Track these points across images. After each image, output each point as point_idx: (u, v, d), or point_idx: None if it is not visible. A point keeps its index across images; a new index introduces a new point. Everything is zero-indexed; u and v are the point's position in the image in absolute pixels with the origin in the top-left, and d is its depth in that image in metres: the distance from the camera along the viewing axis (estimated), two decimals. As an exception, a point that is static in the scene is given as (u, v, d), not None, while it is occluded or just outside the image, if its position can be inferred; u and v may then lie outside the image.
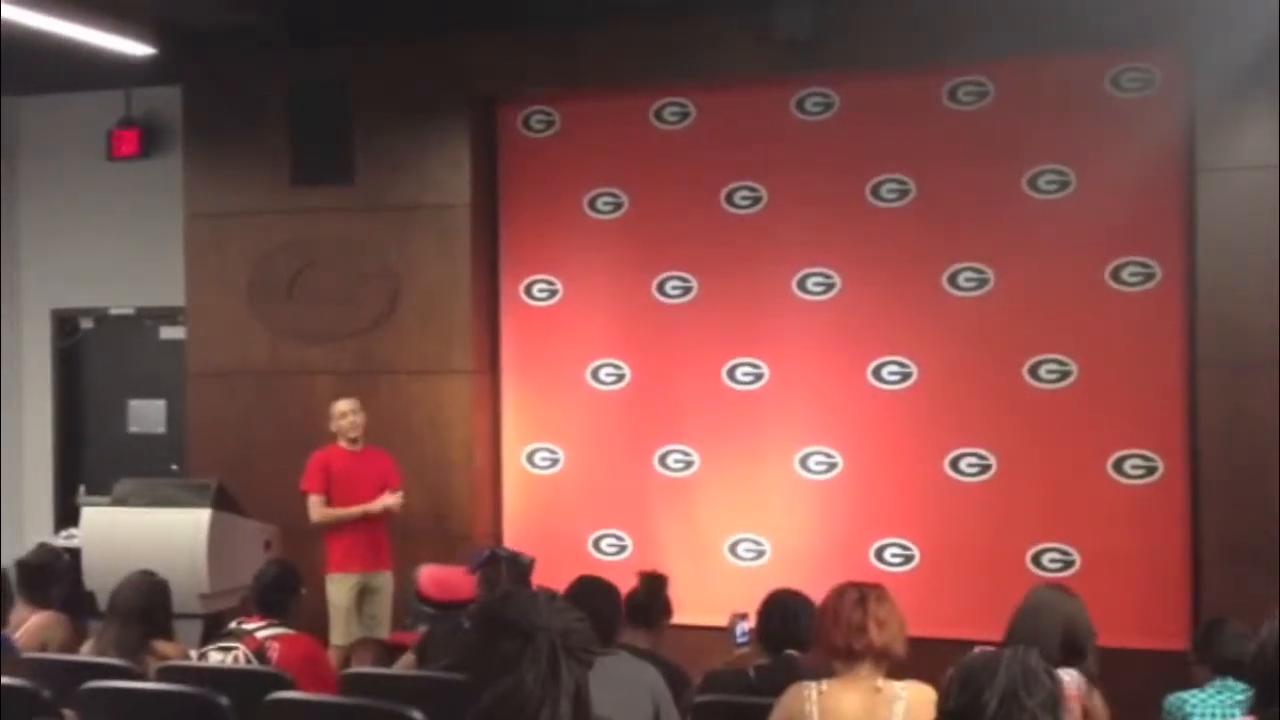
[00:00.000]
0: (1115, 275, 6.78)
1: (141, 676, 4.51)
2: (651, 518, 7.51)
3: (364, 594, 6.88)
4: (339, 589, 6.79)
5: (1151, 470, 6.72)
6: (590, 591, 4.34)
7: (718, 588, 6.94)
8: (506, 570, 5.24)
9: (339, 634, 6.74)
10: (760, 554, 7.33)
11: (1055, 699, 2.34)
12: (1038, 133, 6.91)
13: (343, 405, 6.98)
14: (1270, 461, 6.34)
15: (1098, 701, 4.03)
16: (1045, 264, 6.88)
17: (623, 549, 7.53)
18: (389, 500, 6.86)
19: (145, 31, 6.93)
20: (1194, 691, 4.27)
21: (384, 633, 6.89)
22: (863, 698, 3.31)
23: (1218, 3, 6.31)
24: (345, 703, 4.08)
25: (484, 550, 5.36)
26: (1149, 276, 6.75)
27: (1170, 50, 6.70)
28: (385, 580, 6.95)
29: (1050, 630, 4.01)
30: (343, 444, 6.95)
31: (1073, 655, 4.06)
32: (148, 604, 4.78)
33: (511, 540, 7.33)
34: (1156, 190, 6.74)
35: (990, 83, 7.00)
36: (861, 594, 3.43)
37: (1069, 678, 3.85)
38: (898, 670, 3.51)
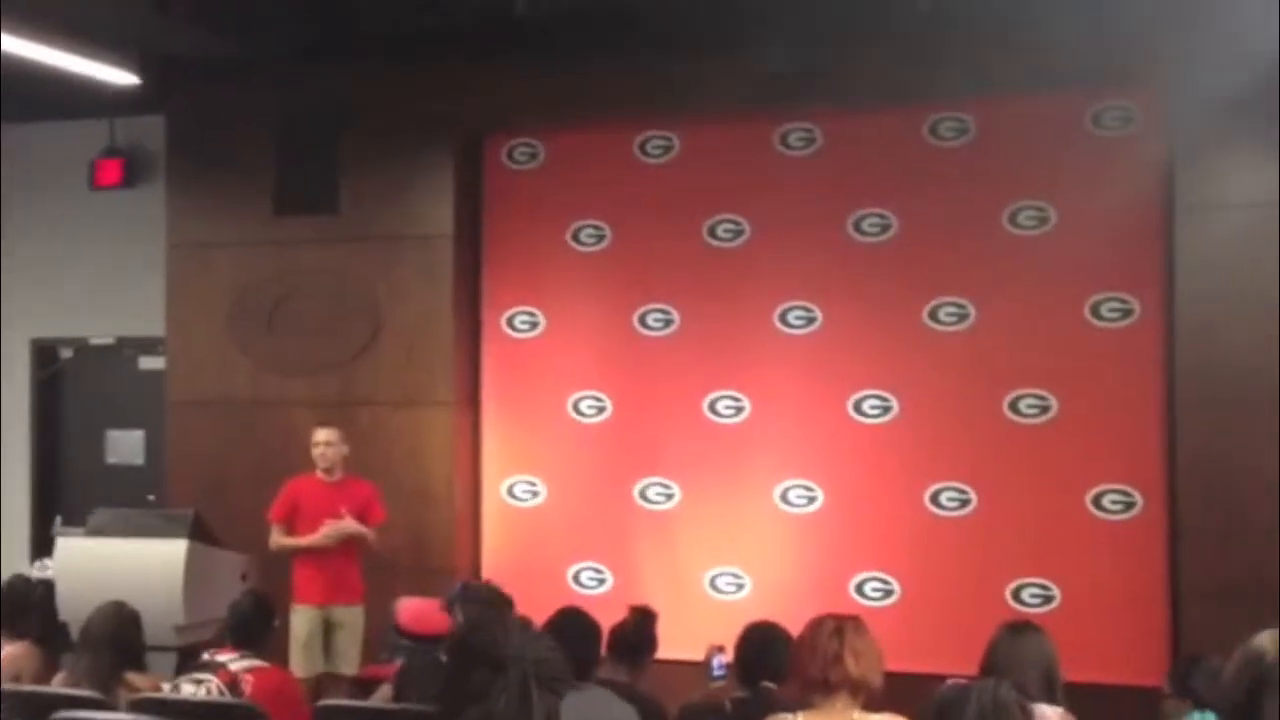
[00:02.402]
0: (1095, 311, 6.81)
1: (113, 708, 4.45)
2: (632, 551, 7.48)
3: (328, 628, 6.76)
4: (298, 620, 6.67)
5: (1130, 505, 6.73)
6: (570, 624, 4.32)
7: (698, 621, 6.87)
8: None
9: (296, 666, 6.54)
10: (740, 587, 7.30)
11: None
12: (1018, 169, 6.95)
13: (320, 434, 6.90)
14: (1249, 497, 6.35)
15: None
16: (1025, 299, 6.91)
17: (602, 582, 7.49)
18: (316, 538, 6.66)
19: (129, 60, 6.94)
20: (1172, 723, 4.27)
21: (349, 669, 6.73)
22: (838, 730, 3.29)
23: (1198, 42, 6.37)
24: (317, 734, 4.04)
25: (456, 584, 5.33)
26: (1128, 312, 6.78)
27: (1150, 88, 6.76)
28: (351, 615, 6.79)
29: (1032, 668, 3.98)
30: (319, 473, 6.88)
31: (1052, 692, 4.04)
32: (119, 634, 4.73)
33: (491, 573, 7.28)
34: (1136, 227, 6.79)
35: (971, 119, 7.05)
36: (838, 625, 3.41)
37: (1055, 715, 3.84)
38: (876, 704, 3.49)
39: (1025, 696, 3.41)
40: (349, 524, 6.71)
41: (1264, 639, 2.91)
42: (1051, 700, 3.91)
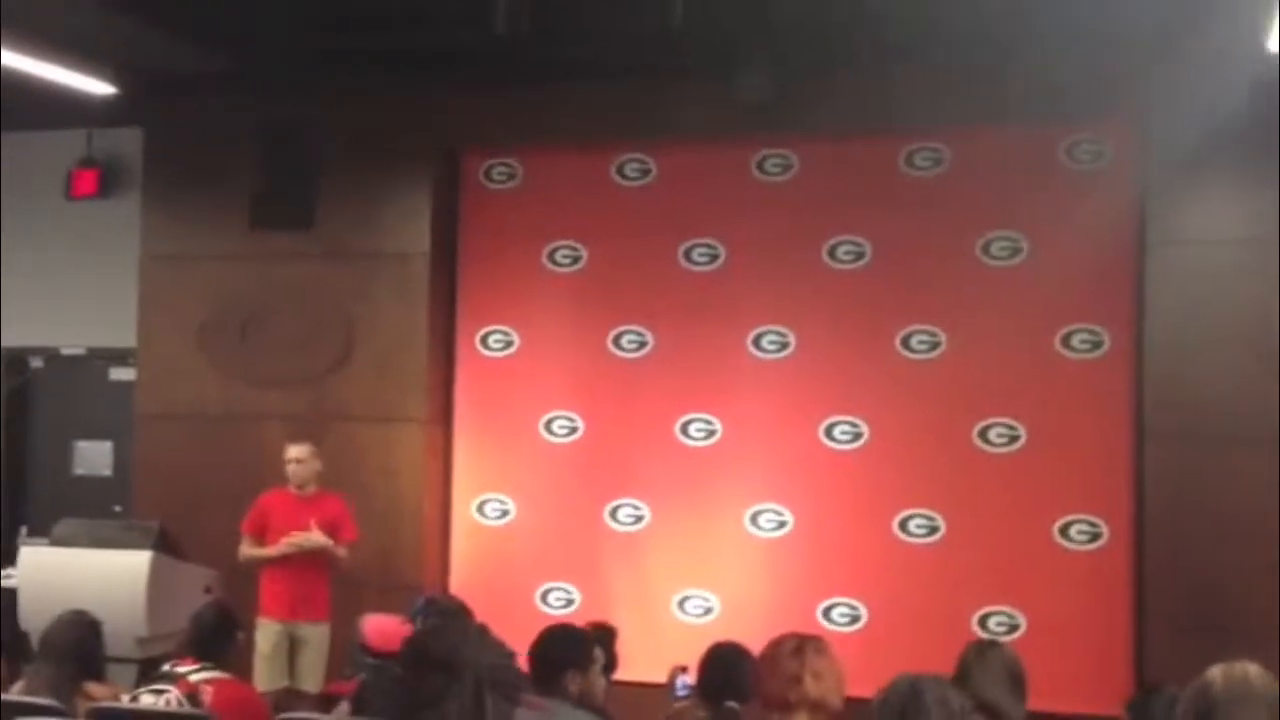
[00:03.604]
0: (1065, 342, 6.86)
1: (71, 717, 4.41)
2: (600, 572, 7.47)
3: (293, 644, 6.71)
4: (261, 634, 6.63)
5: (1096, 536, 6.76)
6: (555, 638, 4.28)
7: (665, 644, 6.86)
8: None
9: (259, 679, 6.50)
10: (708, 611, 7.30)
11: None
12: (992, 200, 7.01)
13: (293, 451, 6.89)
14: (1214, 529, 6.41)
15: None
16: (996, 329, 6.96)
17: (570, 602, 7.47)
18: (278, 547, 6.63)
19: (107, 71, 6.93)
20: (1131, 754, 4.28)
21: (314, 686, 6.66)
22: (797, 749, 3.28)
23: (1170, 78, 6.45)
24: (275, 745, 4.01)
25: (420, 598, 5.31)
26: (1098, 344, 6.84)
27: (1123, 124, 6.84)
28: (316, 632, 6.73)
29: (999, 672, 3.97)
30: (291, 488, 6.85)
31: (1019, 697, 4.04)
32: (79, 643, 4.67)
33: (458, 591, 7.25)
34: (1107, 260, 6.85)
35: (946, 150, 7.11)
36: (799, 644, 3.42)
37: None
38: (838, 725, 3.49)
39: (992, 704, 3.44)
40: (313, 536, 6.67)
41: (1215, 670, 2.94)
42: (1019, 704, 3.93)
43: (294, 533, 6.67)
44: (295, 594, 6.71)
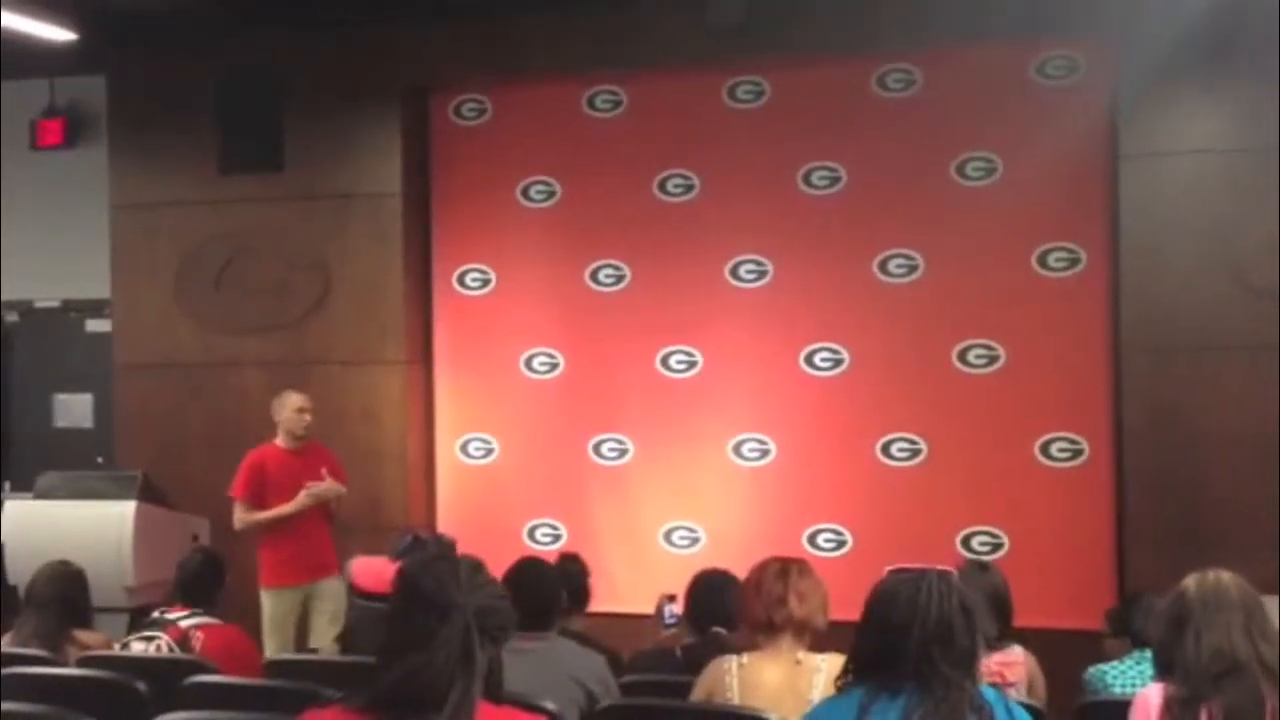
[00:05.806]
0: (1041, 261, 6.86)
1: (61, 666, 4.43)
2: (586, 506, 7.50)
3: (310, 605, 6.49)
4: (278, 601, 6.40)
5: (1078, 453, 6.80)
6: (528, 574, 4.29)
7: (653, 575, 6.92)
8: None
9: (273, 648, 6.26)
10: (695, 541, 7.34)
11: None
12: (965, 120, 6.97)
13: (299, 399, 6.57)
14: (1193, 444, 6.45)
15: (1039, 672, 4.16)
16: (973, 250, 6.95)
17: (557, 538, 7.50)
18: (300, 500, 6.35)
19: (67, 17, 6.81)
20: (1113, 663, 4.34)
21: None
22: (783, 670, 3.32)
23: (1140, -9, 6.40)
24: (263, 685, 4.03)
25: (406, 536, 5.31)
26: (1074, 262, 6.84)
27: (1094, 38, 6.79)
28: (333, 586, 6.37)
29: (979, 596, 4.05)
30: (281, 441, 6.60)
31: (1004, 620, 4.14)
32: (64, 593, 4.69)
33: (445, 531, 7.27)
34: (1081, 176, 6.83)
35: (918, 70, 7.05)
36: (783, 567, 3.45)
37: (1018, 649, 3.98)
38: (821, 645, 3.52)
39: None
40: (331, 484, 6.50)
41: (1190, 579, 3.01)
42: (1003, 628, 4.02)
43: (310, 483, 6.44)
44: (312, 555, 6.46)
